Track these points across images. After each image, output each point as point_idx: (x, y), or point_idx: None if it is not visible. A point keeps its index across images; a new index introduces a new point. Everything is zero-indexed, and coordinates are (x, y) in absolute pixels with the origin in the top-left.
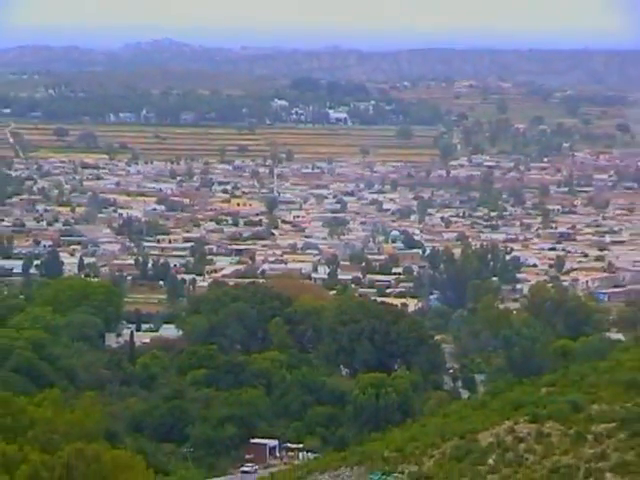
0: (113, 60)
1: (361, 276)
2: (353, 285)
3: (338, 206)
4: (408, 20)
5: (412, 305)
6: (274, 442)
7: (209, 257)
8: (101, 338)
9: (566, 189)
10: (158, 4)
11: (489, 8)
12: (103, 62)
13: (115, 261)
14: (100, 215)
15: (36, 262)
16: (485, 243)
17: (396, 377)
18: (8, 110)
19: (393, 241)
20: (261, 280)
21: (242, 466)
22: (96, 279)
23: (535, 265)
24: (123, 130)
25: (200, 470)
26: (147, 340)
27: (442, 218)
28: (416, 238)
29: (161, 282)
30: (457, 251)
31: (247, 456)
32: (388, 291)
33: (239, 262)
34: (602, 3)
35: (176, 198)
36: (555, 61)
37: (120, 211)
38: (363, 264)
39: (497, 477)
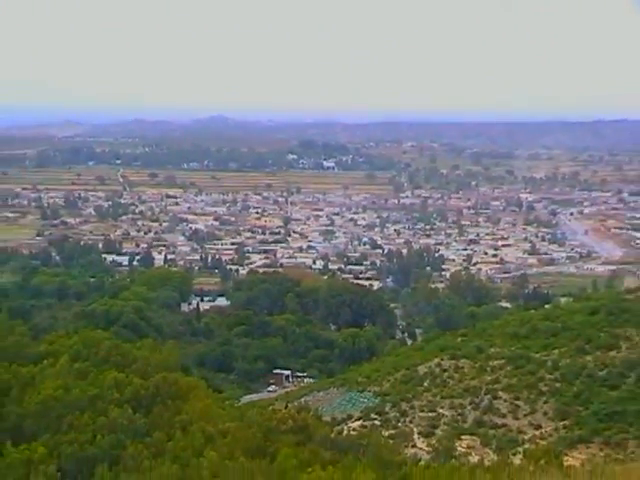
0: (186, 128)
1: (343, 267)
2: (338, 272)
3: (329, 222)
4: (375, 102)
5: (375, 285)
6: (288, 372)
7: (247, 254)
8: (178, 306)
9: (473, 211)
10: (214, 93)
11: (430, 93)
12: (179, 130)
13: (187, 257)
14: (177, 228)
15: (137, 258)
16: (422, 246)
17: (366, 331)
18: (119, 161)
19: (364, 244)
20: (280, 269)
21: (268, 387)
22: (175, 269)
23: (453, 260)
24: (192, 173)
25: (241, 390)
26: (207, 307)
27: (395, 230)
28: (378, 242)
29: (216, 270)
30: (404, 251)
31: (271, 381)
32: (360, 276)
33: (266, 258)
34: (500, 85)
35: (226, 217)
36: (466, 129)
37: (190, 225)
38: (344, 259)
39: (429, 394)
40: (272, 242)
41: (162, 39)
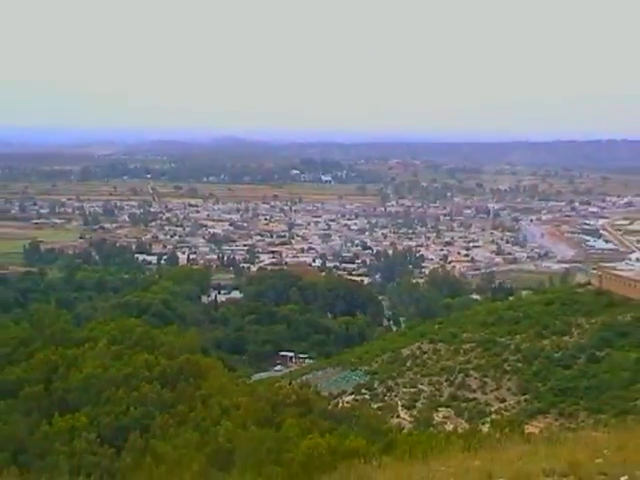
0: (204, 147)
1: (338, 264)
2: (334, 269)
3: (326, 227)
4: (365, 125)
5: (366, 280)
6: (291, 354)
7: (257, 254)
8: (199, 298)
9: (448, 218)
10: (228, 117)
11: (412, 118)
12: (199, 148)
13: (206, 257)
14: (198, 232)
15: (164, 257)
16: (405, 247)
17: (357, 319)
18: (149, 175)
19: (356, 246)
20: (285, 267)
21: (275, 367)
22: (196, 266)
23: (432, 259)
24: (210, 186)
25: (252, 369)
26: (223, 299)
27: (382, 234)
28: (368, 244)
29: (231, 268)
30: (390, 251)
31: (277, 362)
32: (353, 273)
33: (273, 257)
34: (472, 111)
35: (239, 223)
36: (443, 148)
37: (209, 230)
38: (339, 258)
39: (411, 373)
40: (278, 244)
41: (184, 73)
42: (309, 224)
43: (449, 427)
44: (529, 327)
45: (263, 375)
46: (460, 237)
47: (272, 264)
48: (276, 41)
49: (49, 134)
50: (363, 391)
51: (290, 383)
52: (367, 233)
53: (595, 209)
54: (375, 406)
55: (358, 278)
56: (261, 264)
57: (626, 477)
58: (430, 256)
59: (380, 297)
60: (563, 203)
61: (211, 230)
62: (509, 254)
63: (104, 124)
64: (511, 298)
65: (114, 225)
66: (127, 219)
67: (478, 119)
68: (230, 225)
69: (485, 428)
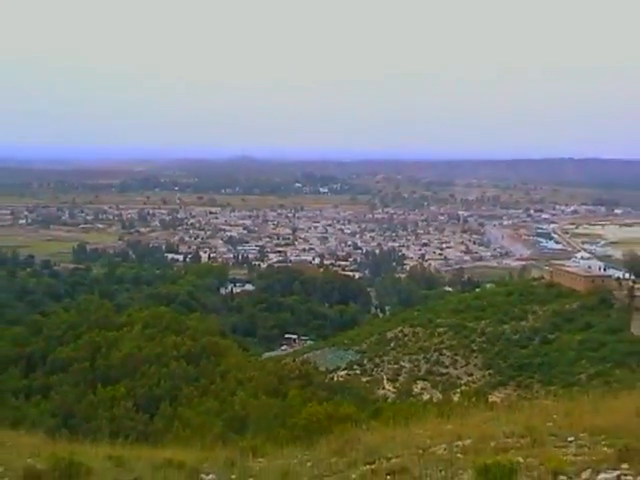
0: (222, 164)
1: (334, 262)
2: (330, 266)
3: (324, 231)
4: (356, 145)
5: (357, 275)
6: (295, 336)
7: (266, 254)
8: (218, 290)
9: (425, 223)
10: (242, 138)
11: (395, 139)
12: (217, 165)
13: (224, 255)
14: (217, 235)
15: (189, 256)
16: (389, 248)
17: (350, 307)
18: (176, 187)
19: (348, 246)
20: (289, 264)
21: (281, 347)
22: (215, 264)
23: (411, 257)
24: (227, 197)
25: (262, 349)
26: (238, 291)
27: (370, 236)
28: (359, 245)
29: (244, 265)
30: (377, 251)
31: (283, 343)
32: (346, 269)
33: (279, 256)
34: (444, 132)
35: (251, 227)
36: (421, 165)
37: (226, 233)
38: (335, 256)
39: (395, 352)
40: (284, 245)
41: (204, 104)
42: (309, 228)
43: (426, 397)
44: (492, 314)
45: (271, 354)
46: (435, 239)
47: (278, 262)
48: (286, 71)
49: (93, 153)
50: (354, 367)
51: (294, 360)
52: (358, 236)
53: (547, 216)
54: (364, 379)
55: (350, 273)
56: (269, 262)
57: (572, 437)
58: (410, 255)
59: (368, 289)
60: (520, 211)
61: (228, 233)
62: (476, 253)
63: (139, 144)
64: (477, 290)
65: (147, 229)
66: (158, 224)
67: (450, 141)
68: (244, 229)
69: (456, 398)
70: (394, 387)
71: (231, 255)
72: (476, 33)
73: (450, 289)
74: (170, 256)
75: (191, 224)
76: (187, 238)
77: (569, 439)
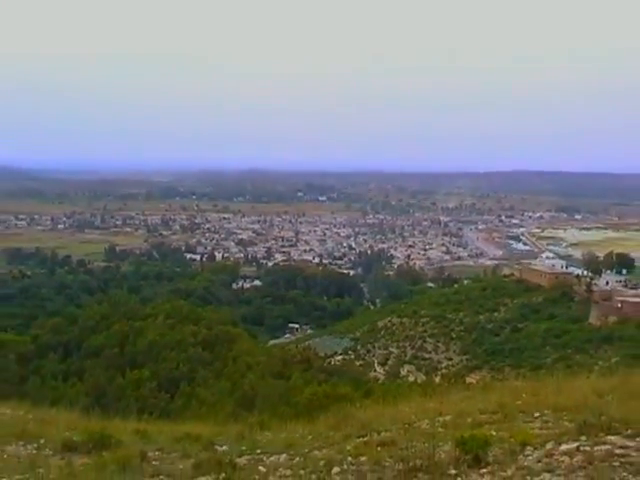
0: (233, 175)
1: (331, 261)
2: (328, 265)
3: (322, 234)
4: (351, 159)
5: (351, 272)
6: (297, 325)
7: (272, 254)
8: (230, 285)
9: (411, 227)
10: (251, 153)
11: (385, 153)
12: (230, 176)
13: (235, 255)
14: (230, 238)
15: (205, 256)
16: (379, 249)
17: (345, 300)
18: (194, 196)
19: (344, 247)
20: (292, 263)
21: (285, 335)
22: (228, 262)
23: (399, 257)
24: (238, 204)
25: (268, 337)
26: (248, 286)
27: (363, 239)
28: (353, 246)
29: (253, 263)
30: (369, 252)
31: (287, 331)
32: (342, 267)
33: (284, 256)
34: (427, 148)
35: (259, 231)
36: (407, 176)
37: (238, 236)
38: (332, 256)
39: (384, 339)
40: (287, 246)
41: (218, 123)
42: (310, 232)
43: (411, 379)
44: (469, 306)
45: (277, 341)
46: (419, 241)
47: (283, 261)
48: (292, 96)
49: (122, 164)
50: (349, 352)
51: (296, 347)
52: (352, 238)
53: (516, 221)
54: (358, 363)
55: (345, 271)
56: (275, 261)
57: (538, 414)
58: (397, 255)
59: (361, 284)
60: (493, 217)
61: (239, 236)
62: (455, 253)
63: (162, 157)
64: (456, 285)
65: (169, 232)
66: (178, 228)
67: (433, 155)
68: (253, 233)
69: (437, 379)
70: (384, 370)
71: (242, 255)
72: (451, 51)
73: (432, 285)
74: (189, 256)
75: (207, 228)
76: (203, 240)
77: (535, 415)
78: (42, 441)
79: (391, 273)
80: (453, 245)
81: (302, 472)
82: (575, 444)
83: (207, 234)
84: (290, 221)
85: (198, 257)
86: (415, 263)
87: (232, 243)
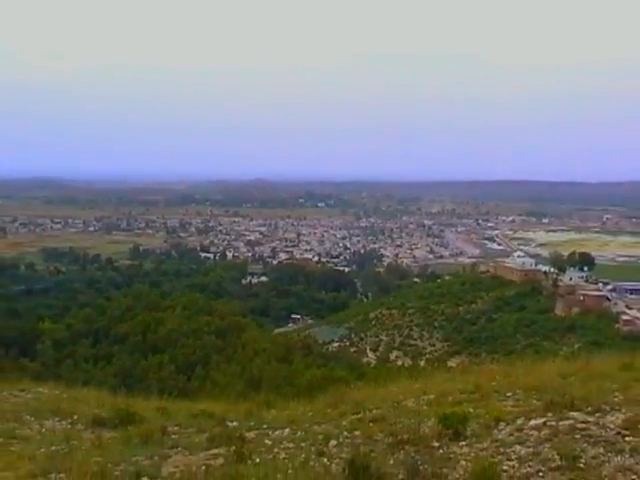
0: (241, 184)
1: (329, 259)
2: (326, 263)
3: (321, 236)
4: (346, 169)
5: (346, 269)
6: (299, 316)
7: (277, 253)
8: (240, 280)
9: (399, 230)
10: (257, 164)
11: (375, 165)
12: (238, 185)
13: (244, 254)
14: (239, 239)
15: (218, 255)
16: (371, 248)
17: (341, 294)
18: (208, 202)
19: (340, 247)
20: (295, 261)
21: (288, 324)
22: (238, 260)
23: (388, 256)
24: (247, 209)
25: (274, 326)
26: (255, 281)
27: (357, 240)
28: (348, 246)
29: (260, 261)
30: (362, 251)
31: (290, 321)
32: (338, 265)
33: (287, 255)
34: (414, 158)
35: (266, 233)
36: (396, 185)
37: (246, 237)
38: (330, 255)
39: (375, 328)
40: (290, 246)
41: (226, 143)
42: (310, 234)
43: (400, 363)
44: (450, 299)
45: (281, 330)
46: (406, 242)
47: (287, 259)
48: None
49: (144, 173)
50: (345, 340)
51: (298, 335)
52: (347, 239)
53: (491, 224)
54: (352, 350)
55: (341, 268)
56: (279, 259)
57: (510, 393)
58: (387, 254)
59: (355, 280)
60: (471, 220)
61: (247, 237)
62: (437, 253)
63: (180, 168)
64: (439, 280)
65: (186, 234)
66: (194, 230)
67: (418, 166)
68: (260, 234)
69: (422, 363)
70: (375, 355)
71: (250, 254)
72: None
73: (418, 280)
74: (203, 255)
75: (219, 230)
76: (216, 241)
77: (508, 394)
78: (75, 417)
79: (381, 270)
80: (436, 245)
81: (303, 445)
82: (542, 420)
83: (219, 236)
84: (292, 224)
85: (212, 256)
86: (402, 261)
87: (241, 243)
